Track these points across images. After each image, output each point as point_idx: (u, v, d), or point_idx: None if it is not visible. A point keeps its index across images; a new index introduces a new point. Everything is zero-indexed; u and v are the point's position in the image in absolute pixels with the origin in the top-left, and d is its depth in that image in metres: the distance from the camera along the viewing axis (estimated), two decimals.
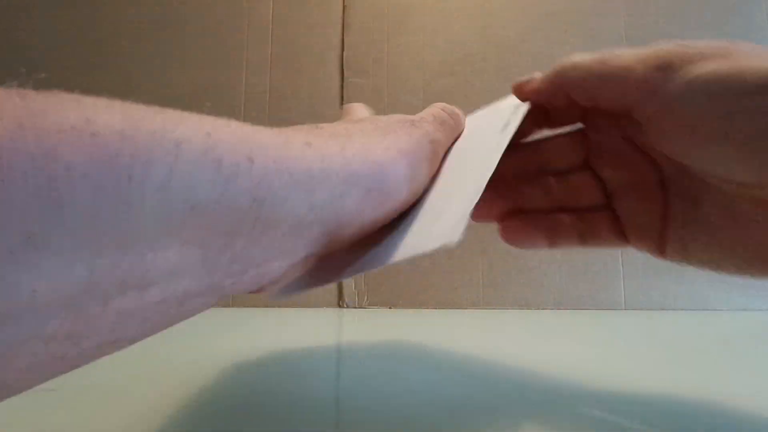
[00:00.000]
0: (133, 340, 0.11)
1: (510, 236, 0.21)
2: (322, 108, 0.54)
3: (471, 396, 0.21)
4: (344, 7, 0.56)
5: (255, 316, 0.45)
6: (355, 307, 0.51)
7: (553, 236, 0.20)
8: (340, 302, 0.52)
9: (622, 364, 0.27)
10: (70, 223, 0.08)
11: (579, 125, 0.21)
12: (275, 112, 0.54)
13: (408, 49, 0.56)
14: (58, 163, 0.08)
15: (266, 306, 0.51)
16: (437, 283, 0.51)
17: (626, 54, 0.17)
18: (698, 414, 0.19)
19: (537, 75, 0.20)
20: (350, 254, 0.18)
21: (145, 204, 0.09)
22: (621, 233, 0.19)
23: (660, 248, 0.18)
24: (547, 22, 0.57)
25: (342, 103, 0.54)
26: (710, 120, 0.14)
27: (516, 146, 0.20)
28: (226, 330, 0.36)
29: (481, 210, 0.21)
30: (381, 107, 0.55)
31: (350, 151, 0.14)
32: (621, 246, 0.19)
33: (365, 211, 0.15)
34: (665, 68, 0.15)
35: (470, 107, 0.60)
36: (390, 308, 0.51)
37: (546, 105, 0.20)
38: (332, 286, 0.52)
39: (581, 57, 0.18)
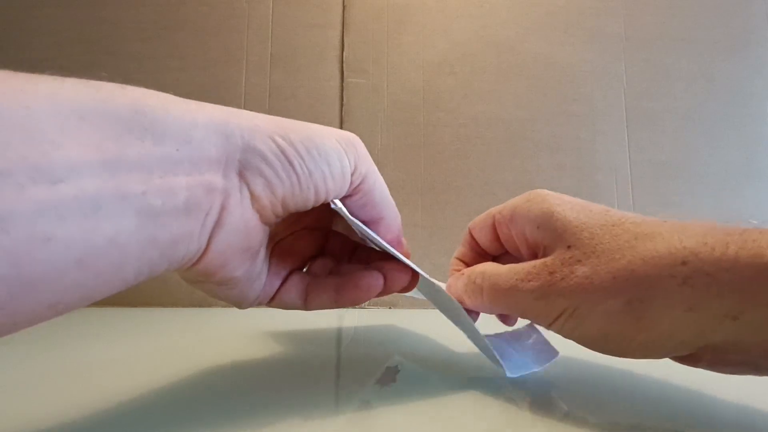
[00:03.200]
0: (67, 243, 0.12)
1: None
2: (322, 108, 0.54)
3: (471, 395, 0.21)
4: (344, 7, 0.56)
5: (256, 316, 0.45)
6: (355, 307, 0.51)
7: None
8: None
9: (616, 362, 0.27)
10: None
11: None
12: (275, 112, 0.54)
13: (408, 49, 0.56)
14: None
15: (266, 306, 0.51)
16: None
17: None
18: (693, 411, 0.19)
19: None
20: None
21: (39, 109, 0.12)
22: None
23: None
24: (547, 22, 0.57)
25: (342, 103, 0.54)
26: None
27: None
28: (228, 329, 0.36)
29: None
30: (381, 107, 0.55)
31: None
32: None
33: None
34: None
35: (470, 107, 0.60)
36: (390, 308, 0.51)
37: None
38: None
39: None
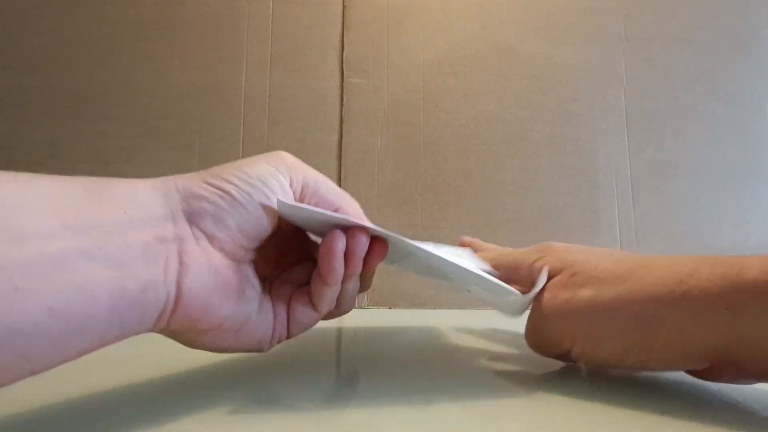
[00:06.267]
0: (37, 293, 0.14)
1: None
2: (322, 108, 0.54)
3: (471, 395, 0.21)
4: (344, 7, 0.56)
5: None
6: (356, 308, 0.51)
7: None
8: None
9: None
10: None
11: None
12: (275, 112, 0.54)
13: (408, 49, 0.56)
14: None
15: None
16: (437, 284, 0.51)
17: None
18: (699, 412, 0.19)
19: None
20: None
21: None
22: None
23: None
24: (547, 22, 0.57)
25: (342, 103, 0.55)
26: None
27: None
28: None
29: None
30: (381, 107, 0.55)
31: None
32: None
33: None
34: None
35: (470, 107, 0.59)
36: (390, 308, 0.51)
37: None
38: None
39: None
